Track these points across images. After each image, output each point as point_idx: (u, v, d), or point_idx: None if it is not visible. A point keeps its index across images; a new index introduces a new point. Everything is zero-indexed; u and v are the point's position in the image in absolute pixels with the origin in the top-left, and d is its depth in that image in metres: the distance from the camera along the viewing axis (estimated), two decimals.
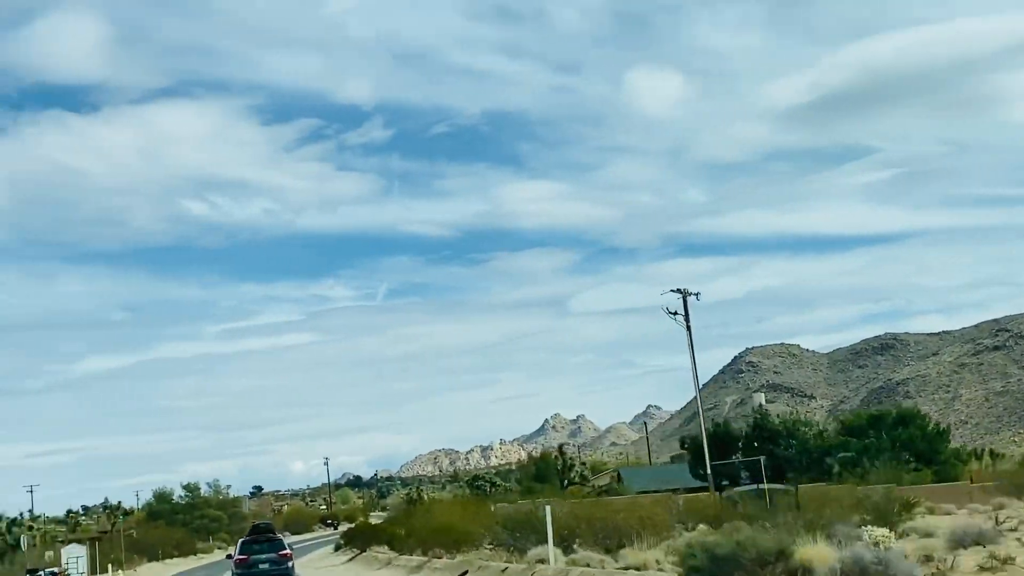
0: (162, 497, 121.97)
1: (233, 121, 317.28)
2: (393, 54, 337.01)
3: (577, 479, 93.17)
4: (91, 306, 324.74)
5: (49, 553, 75.03)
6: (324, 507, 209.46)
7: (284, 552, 44.87)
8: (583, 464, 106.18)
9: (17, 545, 79.23)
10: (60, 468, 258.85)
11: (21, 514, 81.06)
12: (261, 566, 44.05)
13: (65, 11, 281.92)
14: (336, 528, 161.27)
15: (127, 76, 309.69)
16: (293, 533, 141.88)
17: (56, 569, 72.06)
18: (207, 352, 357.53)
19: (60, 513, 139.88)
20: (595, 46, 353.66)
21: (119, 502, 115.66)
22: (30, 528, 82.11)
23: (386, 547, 69.82)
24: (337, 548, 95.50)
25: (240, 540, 48.02)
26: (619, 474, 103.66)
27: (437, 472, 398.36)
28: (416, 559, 52.63)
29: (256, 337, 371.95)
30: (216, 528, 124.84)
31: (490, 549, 41.51)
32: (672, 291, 71.21)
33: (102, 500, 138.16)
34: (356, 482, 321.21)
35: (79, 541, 76.95)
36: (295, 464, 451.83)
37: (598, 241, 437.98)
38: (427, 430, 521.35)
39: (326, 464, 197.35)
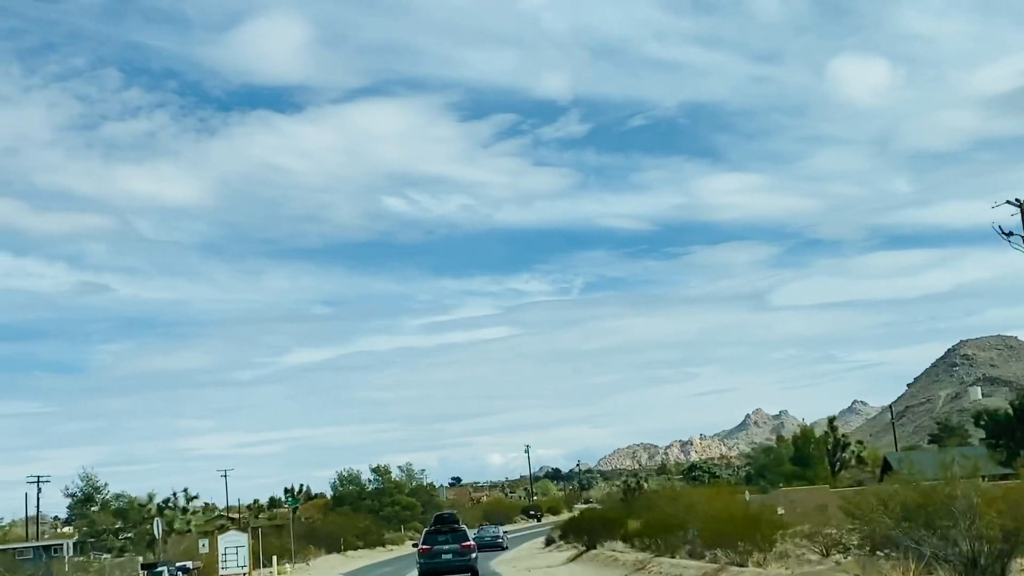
0: (348, 480, 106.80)
1: (431, 118, 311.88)
2: (589, 48, 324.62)
3: (853, 461, 72.83)
4: (296, 301, 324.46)
5: (203, 542, 59.53)
6: (524, 498, 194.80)
7: (467, 544, 43.35)
8: (860, 443, 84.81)
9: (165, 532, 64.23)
10: (269, 457, 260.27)
11: (174, 495, 65.96)
12: (444, 556, 42.46)
13: (270, 14, 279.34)
14: (539, 520, 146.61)
15: (329, 76, 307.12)
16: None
17: (193, 564, 57.05)
18: (407, 345, 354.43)
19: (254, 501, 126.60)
20: (795, 35, 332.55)
21: (303, 485, 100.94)
22: (172, 510, 66.83)
23: (621, 543, 51.48)
24: (549, 543, 78.32)
25: (425, 530, 46.62)
26: (885, 459, 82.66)
27: (637, 466, 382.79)
28: (696, 565, 33.64)
29: (455, 331, 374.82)
30: (408, 517, 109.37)
31: (872, 554, 22.26)
32: (1012, 202, 50.44)
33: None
34: (555, 475, 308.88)
35: (241, 528, 61.29)
36: (492, 457, 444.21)
37: (799, 234, 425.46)
38: (625, 424, 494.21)
39: (527, 451, 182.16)
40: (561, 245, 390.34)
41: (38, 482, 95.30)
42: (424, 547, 43.34)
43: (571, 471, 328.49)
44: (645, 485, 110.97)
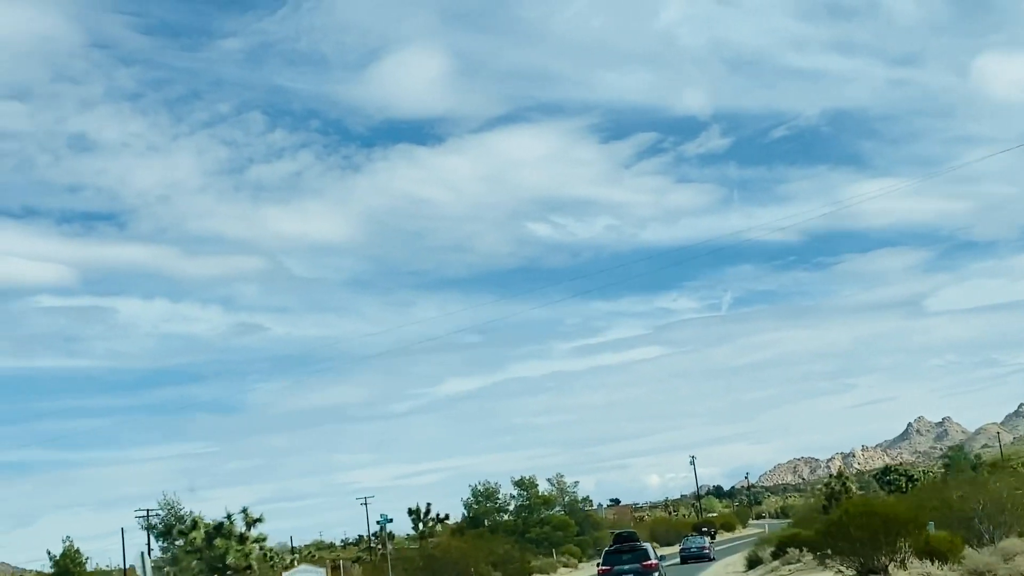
0: (484, 496, 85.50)
1: (571, 142, 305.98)
2: (726, 61, 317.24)
3: None
4: (446, 331, 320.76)
5: None
6: (688, 516, 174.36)
7: (649, 563, 40.97)
8: None
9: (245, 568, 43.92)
10: (427, 488, 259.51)
11: (229, 518, 45.07)
12: None
13: (407, 49, 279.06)
14: (713, 537, 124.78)
15: (468, 106, 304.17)
16: (663, 544, 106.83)
17: None
18: (558, 370, 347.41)
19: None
20: (935, 35, 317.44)
21: (428, 504, 79.45)
22: (226, 538, 45.76)
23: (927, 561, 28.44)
24: (753, 565, 55.62)
25: (604, 550, 45.80)
26: None
27: (799, 480, 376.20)
28: None
29: (605, 353, 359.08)
30: (561, 539, 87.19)
31: None
32: None
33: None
34: (717, 492, 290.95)
35: (317, 562, 40.62)
36: (650, 478, 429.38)
37: (952, 237, 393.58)
38: (783, 439, 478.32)
39: (692, 463, 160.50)
40: (708, 261, 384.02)
41: (147, 517, 79.17)
42: (604, 568, 41.93)
43: (733, 488, 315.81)
44: (852, 488, 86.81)
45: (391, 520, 64.29)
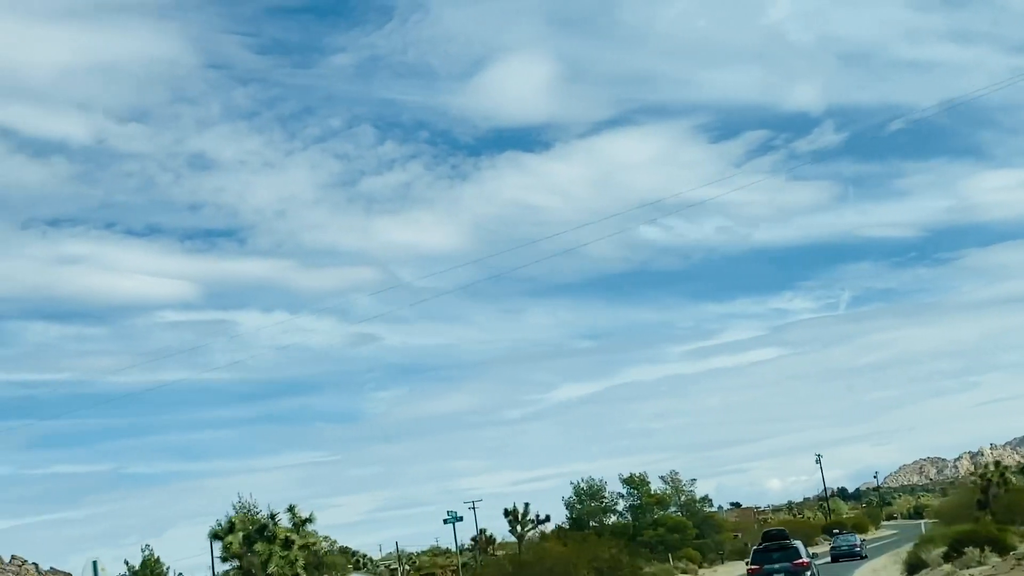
0: (588, 494, 75.53)
1: (679, 143, 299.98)
2: (838, 55, 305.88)
3: None
4: (558, 336, 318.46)
5: None
6: (813, 519, 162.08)
7: (800, 561, 39.39)
8: None
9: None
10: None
11: (272, 518, 35.89)
12: None
13: (512, 57, 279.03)
14: None
15: (574, 111, 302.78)
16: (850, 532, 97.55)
17: None
18: (672, 373, 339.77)
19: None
20: None
21: (527, 504, 69.90)
22: (269, 541, 36.68)
23: None
24: (915, 571, 44.70)
25: (753, 548, 44.42)
26: None
27: (927, 481, 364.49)
28: None
29: (720, 355, 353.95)
30: (677, 543, 76.74)
31: None
32: None
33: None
34: (842, 494, 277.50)
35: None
36: (771, 482, 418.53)
37: None
38: (907, 440, 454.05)
39: (818, 461, 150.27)
40: (823, 260, 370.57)
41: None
42: (753, 567, 40.67)
43: (858, 490, 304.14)
44: (1012, 480, 74.72)
45: (460, 519, 55.02)
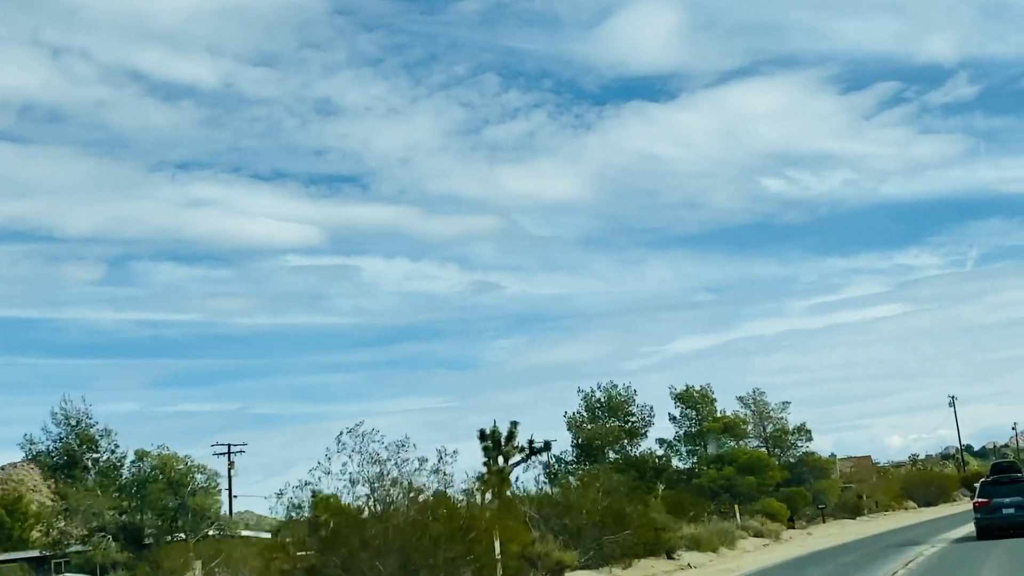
0: (601, 405, 46.43)
1: (808, 94, 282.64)
2: (976, 6, 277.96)
3: None
4: (678, 289, 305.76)
5: None
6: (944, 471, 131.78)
7: None
8: None
9: None
10: None
11: None
12: (1005, 511, 36.43)
13: (639, 5, 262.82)
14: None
15: (701, 61, 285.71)
16: (922, 504, 78.04)
17: None
18: (793, 328, 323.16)
19: None
20: None
21: (511, 425, 41.75)
22: None
23: None
24: None
25: (980, 481, 40.50)
26: None
27: None
28: None
29: (843, 311, 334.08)
30: (753, 489, 47.57)
31: None
32: None
33: None
34: (968, 450, 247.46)
35: None
36: (891, 438, 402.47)
37: None
38: None
39: (952, 404, 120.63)
40: (952, 216, 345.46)
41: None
42: (980, 500, 37.65)
43: (984, 448, 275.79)
44: None
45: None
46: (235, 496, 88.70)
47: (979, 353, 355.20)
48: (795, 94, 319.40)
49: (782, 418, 61.82)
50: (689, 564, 35.80)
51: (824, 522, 59.55)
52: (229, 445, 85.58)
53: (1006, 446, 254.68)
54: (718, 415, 53.60)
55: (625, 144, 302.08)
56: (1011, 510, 35.99)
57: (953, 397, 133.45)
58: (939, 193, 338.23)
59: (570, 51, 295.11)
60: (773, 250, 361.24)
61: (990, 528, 36.17)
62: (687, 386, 53.81)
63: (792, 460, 61.43)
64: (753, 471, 51.50)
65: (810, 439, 61.39)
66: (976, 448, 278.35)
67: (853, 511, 63.80)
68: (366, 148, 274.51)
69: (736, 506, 47.29)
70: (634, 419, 45.21)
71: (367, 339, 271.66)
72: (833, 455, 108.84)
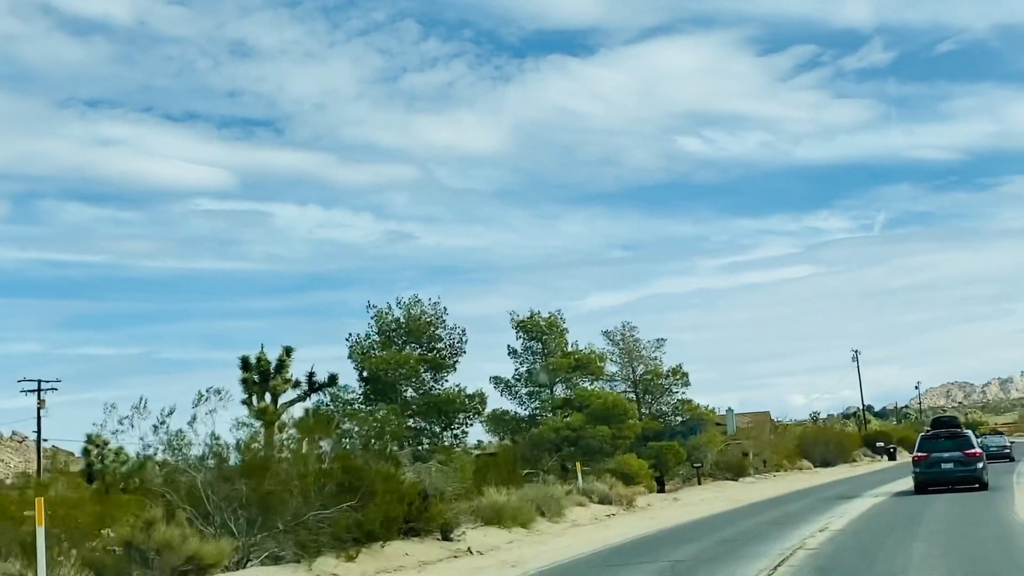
0: (398, 329, 33.73)
1: (727, 54, 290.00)
2: None
3: None
4: (592, 245, 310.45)
5: None
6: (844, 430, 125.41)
7: (972, 451, 36.59)
8: None
9: None
10: None
11: None
12: (944, 466, 36.05)
13: None
14: (894, 457, 75.85)
15: (621, 17, 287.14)
16: (819, 464, 69.87)
17: None
18: (704, 287, 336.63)
19: None
20: None
21: (285, 350, 29.97)
22: None
23: None
24: None
25: (919, 435, 40.30)
26: None
27: (953, 404, 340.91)
28: None
29: (753, 271, 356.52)
30: (607, 442, 35.60)
31: None
32: None
33: None
34: (868, 411, 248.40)
35: None
36: (795, 398, 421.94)
37: None
38: (936, 364, 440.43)
39: (855, 358, 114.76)
40: (863, 180, 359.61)
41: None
42: (920, 454, 37.08)
43: (884, 409, 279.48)
44: None
45: None
46: (45, 440, 76.20)
47: (883, 316, 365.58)
48: (713, 54, 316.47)
49: (655, 358, 50.13)
50: (470, 549, 23.58)
51: (700, 484, 48.02)
52: (39, 381, 72.77)
53: (907, 407, 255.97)
54: (569, 350, 41.55)
55: (544, 98, 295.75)
56: (949, 465, 35.57)
57: (856, 351, 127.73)
58: (850, 157, 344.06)
59: (492, 1, 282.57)
60: (687, 209, 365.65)
61: (928, 482, 35.57)
62: (531, 312, 41.56)
63: (666, 409, 49.73)
64: (608, 420, 39.63)
65: (687, 384, 49.65)
66: (877, 409, 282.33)
67: (737, 471, 52.48)
68: (281, 92, 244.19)
69: (578, 464, 35.32)
70: (440, 347, 33.03)
71: (278, 286, 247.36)
72: (730, 409, 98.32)
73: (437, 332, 33.33)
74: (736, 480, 51.18)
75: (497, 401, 45.54)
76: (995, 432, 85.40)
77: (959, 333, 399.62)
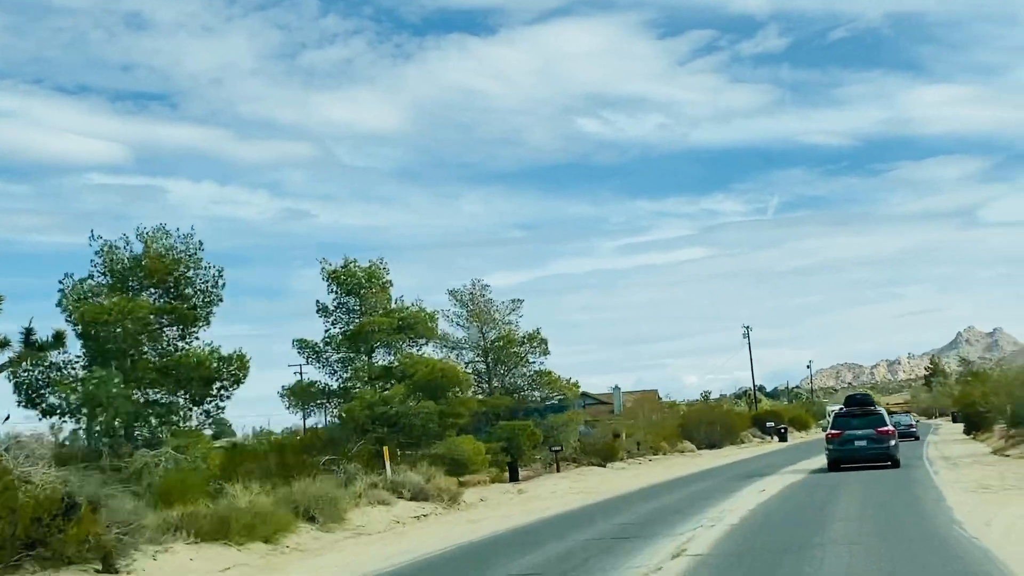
0: (127, 264, 24.74)
1: (626, 37, 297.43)
2: None
3: None
4: (491, 225, 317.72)
5: None
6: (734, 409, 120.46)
7: (885, 429, 36.15)
8: None
9: None
10: None
11: None
12: (857, 443, 35.56)
13: None
14: (785, 438, 69.12)
15: None
16: (707, 445, 63.35)
17: None
18: (602, 267, 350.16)
19: None
20: None
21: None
22: None
23: None
24: None
25: (834, 413, 41.08)
26: None
27: (843, 385, 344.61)
28: None
29: (650, 252, 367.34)
30: (421, 421, 27.36)
31: None
32: None
33: None
34: (760, 391, 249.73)
35: None
36: (689, 378, 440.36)
37: (1010, 146, 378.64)
38: (826, 345, 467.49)
39: (746, 335, 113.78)
40: (757, 164, 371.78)
41: None
42: (833, 432, 36.78)
43: (776, 389, 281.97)
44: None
45: None
46: None
47: (776, 298, 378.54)
48: (613, 36, 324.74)
49: (510, 323, 41.89)
50: None
51: (559, 471, 40.03)
52: None
53: (798, 387, 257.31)
54: (393, 307, 33.06)
55: (444, 77, 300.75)
56: (863, 443, 35.33)
57: (748, 328, 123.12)
58: (745, 141, 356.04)
59: None
60: (585, 190, 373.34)
61: (841, 460, 35.36)
62: (346, 260, 32.86)
63: (521, 382, 41.54)
64: (435, 392, 31.27)
65: (546, 352, 41.58)
66: (769, 389, 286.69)
67: (605, 456, 44.58)
68: (177, 66, 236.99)
69: (385, 449, 26.93)
70: (190, 292, 24.39)
71: None
72: (617, 387, 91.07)
73: (187, 275, 24.60)
74: (604, 466, 43.29)
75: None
76: (904, 412, 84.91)
77: (849, 316, 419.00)
